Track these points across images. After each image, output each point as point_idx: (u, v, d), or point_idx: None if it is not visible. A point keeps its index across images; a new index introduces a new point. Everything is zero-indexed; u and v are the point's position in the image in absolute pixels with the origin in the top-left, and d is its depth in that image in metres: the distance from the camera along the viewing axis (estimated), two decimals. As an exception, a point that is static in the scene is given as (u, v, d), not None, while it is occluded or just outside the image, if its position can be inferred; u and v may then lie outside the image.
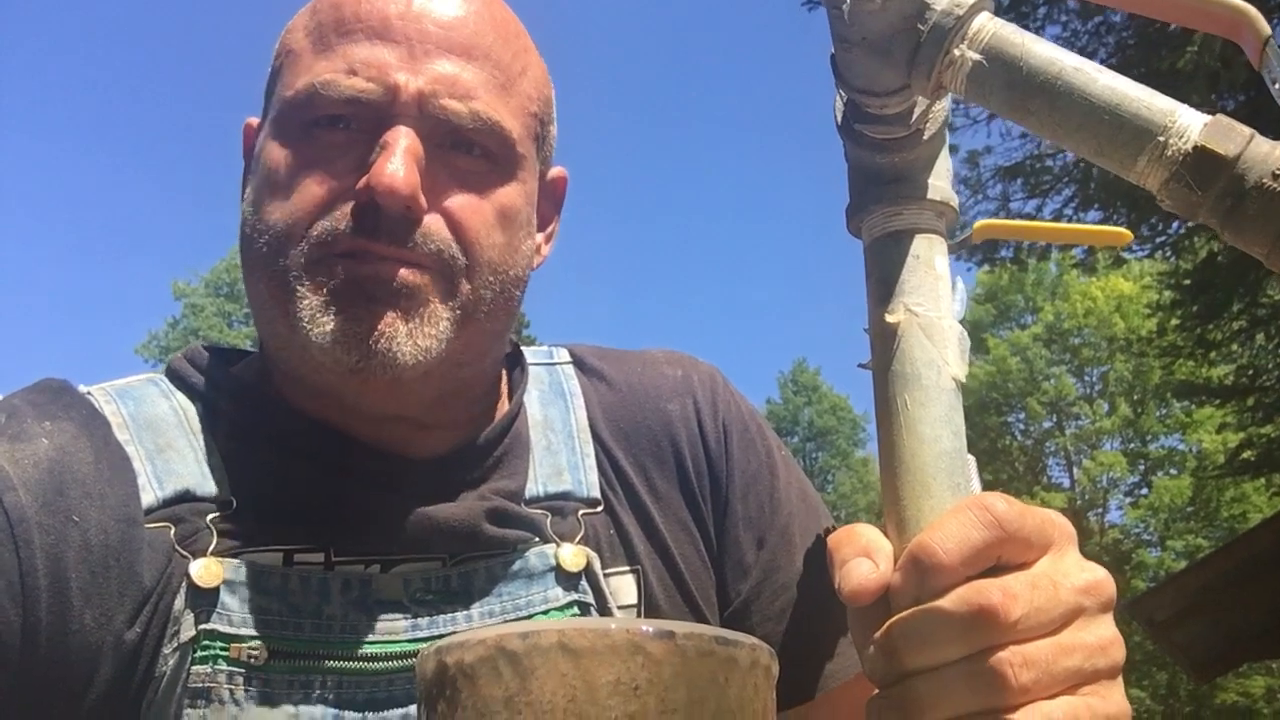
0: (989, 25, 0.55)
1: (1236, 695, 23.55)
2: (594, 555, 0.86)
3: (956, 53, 0.55)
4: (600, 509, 0.89)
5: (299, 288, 0.77)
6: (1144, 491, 28.06)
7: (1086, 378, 29.93)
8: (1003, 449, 28.90)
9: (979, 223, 0.79)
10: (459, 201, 0.80)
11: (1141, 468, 28.77)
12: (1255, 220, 0.48)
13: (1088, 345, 29.00)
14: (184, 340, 32.29)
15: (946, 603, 0.54)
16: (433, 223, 0.78)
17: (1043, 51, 0.54)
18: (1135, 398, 28.35)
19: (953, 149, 0.63)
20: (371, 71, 0.78)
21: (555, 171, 0.93)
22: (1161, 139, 0.51)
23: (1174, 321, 9.40)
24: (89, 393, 0.85)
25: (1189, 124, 0.50)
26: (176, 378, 0.89)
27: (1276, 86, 0.48)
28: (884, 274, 0.64)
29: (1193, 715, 24.63)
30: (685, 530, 0.92)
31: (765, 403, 37.20)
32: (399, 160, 0.75)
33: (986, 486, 0.62)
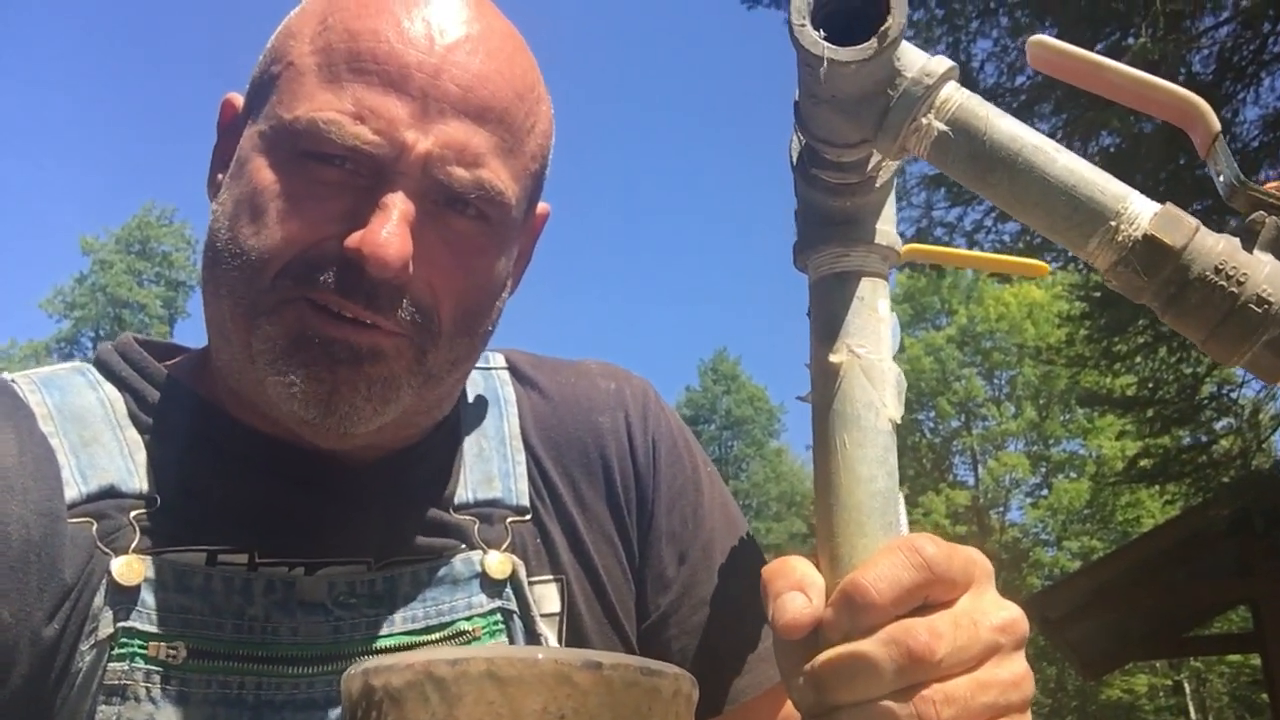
0: (955, 96, 0.56)
1: (1121, 692, 24.50)
2: (519, 563, 0.86)
3: (924, 121, 0.56)
4: (528, 518, 0.90)
5: (266, 325, 0.75)
6: (1044, 493, 28.97)
7: (995, 380, 30.75)
8: (912, 446, 29.54)
9: (906, 246, 0.81)
10: (444, 266, 0.77)
11: (1043, 470, 29.68)
12: (1196, 310, 0.50)
13: (999, 349, 29.77)
14: (91, 297, 31.20)
15: (876, 641, 0.56)
16: (414, 288, 0.75)
17: (1006, 127, 0.56)
18: (1041, 402, 29.21)
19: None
20: (380, 124, 0.73)
21: (540, 208, 0.90)
22: (1113, 224, 0.52)
23: (1082, 333, 9.63)
24: (13, 381, 0.83)
25: (1140, 211, 0.52)
26: (105, 368, 0.86)
27: (1221, 179, 0.50)
28: (828, 313, 0.65)
29: (1079, 709, 25.54)
30: (609, 542, 0.93)
31: (685, 390, 37.47)
32: (394, 227, 0.72)
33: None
